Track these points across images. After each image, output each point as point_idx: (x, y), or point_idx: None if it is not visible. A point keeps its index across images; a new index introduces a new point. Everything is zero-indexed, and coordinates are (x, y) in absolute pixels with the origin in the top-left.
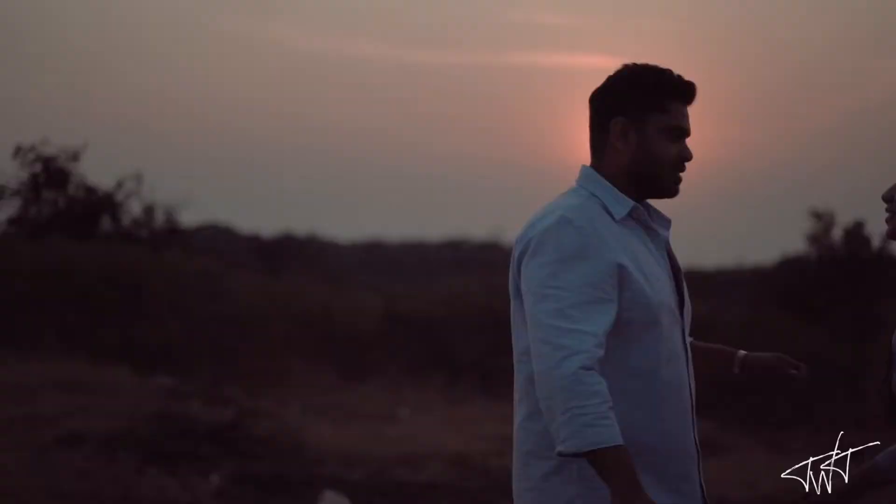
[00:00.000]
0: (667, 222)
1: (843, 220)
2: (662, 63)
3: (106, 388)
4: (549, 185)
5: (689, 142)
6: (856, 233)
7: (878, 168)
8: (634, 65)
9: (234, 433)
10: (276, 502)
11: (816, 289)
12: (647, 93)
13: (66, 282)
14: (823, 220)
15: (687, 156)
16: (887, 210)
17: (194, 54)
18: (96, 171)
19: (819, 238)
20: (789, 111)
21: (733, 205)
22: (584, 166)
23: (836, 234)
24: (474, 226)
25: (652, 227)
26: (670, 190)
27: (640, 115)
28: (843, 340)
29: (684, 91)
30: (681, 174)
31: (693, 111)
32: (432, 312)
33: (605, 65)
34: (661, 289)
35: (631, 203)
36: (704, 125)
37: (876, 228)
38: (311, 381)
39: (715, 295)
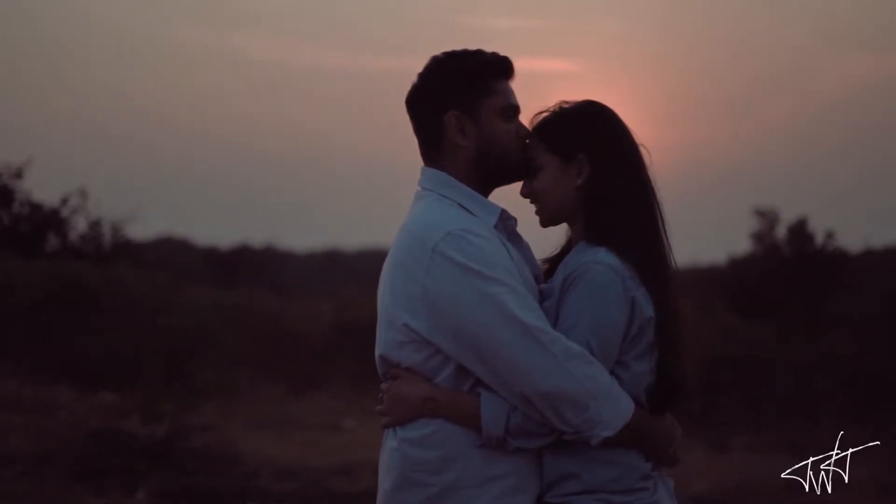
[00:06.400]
0: (515, 221)
1: (788, 217)
2: (626, 64)
3: (46, 407)
4: (506, 191)
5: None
6: (799, 230)
7: (820, 165)
8: (445, 55)
9: (169, 448)
10: None
11: (762, 286)
12: (472, 79)
13: (10, 300)
14: (767, 217)
15: (523, 133)
16: (532, 203)
17: (149, 65)
18: (43, 187)
19: (763, 236)
20: (733, 112)
21: (683, 206)
22: (429, 169)
23: (781, 231)
24: None
25: (516, 233)
26: (521, 171)
27: (472, 104)
28: (789, 337)
29: (506, 68)
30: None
31: (647, 113)
32: None
33: (565, 68)
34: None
35: (498, 209)
36: (648, 127)
37: (819, 225)
38: (258, 392)
39: None
